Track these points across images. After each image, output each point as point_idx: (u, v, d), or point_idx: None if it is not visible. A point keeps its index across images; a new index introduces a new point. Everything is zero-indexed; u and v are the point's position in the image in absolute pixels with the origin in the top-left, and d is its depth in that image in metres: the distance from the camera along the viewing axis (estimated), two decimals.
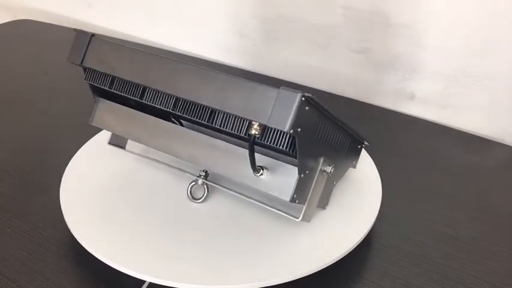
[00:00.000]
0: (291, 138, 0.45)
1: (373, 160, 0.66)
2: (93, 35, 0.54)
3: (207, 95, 0.47)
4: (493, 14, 0.77)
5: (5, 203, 0.61)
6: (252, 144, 0.45)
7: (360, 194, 0.60)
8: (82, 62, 0.54)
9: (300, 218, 0.51)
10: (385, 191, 0.60)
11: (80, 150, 0.66)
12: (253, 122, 0.44)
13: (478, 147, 0.80)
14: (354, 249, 0.52)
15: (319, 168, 0.50)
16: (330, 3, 0.88)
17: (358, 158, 0.60)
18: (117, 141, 0.64)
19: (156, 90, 0.51)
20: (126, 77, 0.52)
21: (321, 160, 0.50)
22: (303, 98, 0.42)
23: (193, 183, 0.59)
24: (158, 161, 0.62)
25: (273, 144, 0.46)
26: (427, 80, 0.86)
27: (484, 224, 0.62)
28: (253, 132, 0.44)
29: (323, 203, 0.56)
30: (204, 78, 0.47)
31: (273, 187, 0.49)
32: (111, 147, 0.64)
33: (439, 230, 0.60)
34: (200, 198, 0.58)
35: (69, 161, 0.63)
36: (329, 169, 0.50)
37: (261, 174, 0.49)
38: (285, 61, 0.99)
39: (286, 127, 0.42)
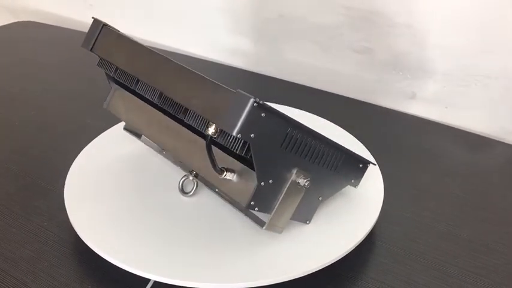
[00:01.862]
0: (247, 143, 0.45)
1: (375, 159, 0.66)
2: (104, 24, 0.56)
3: (177, 91, 0.47)
4: (494, 13, 0.77)
5: (10, 202, 0.62)
6: (209, 144, 0.45)
7: (362, 193, 0.60)
8: (92, 48, 0.56)
9: (264, 227, 0.49)
10: (386, 190, 0.61)
11: (84, 149, 0.66)
12: (210, 122, 0.44)
13: (479, 146, 0.80)
14: (356, 248, 0.53)
15: (290, 180, 0.48)
16: (331, 3, 0.88)
17: (359, 178, 0.57)
18: (132, 127, 0.65)
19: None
20: (121, 66, 0.53)
21: (294, 171, 0.49)
22: (255, 104, 0.42)
23: (185, 177, 0.59)
24: (163, 154, 0.63)
25: (229, 147, 0.46)
26: (428, 79, 0.86)
27: (485, 222, 0.62)
28: (210, 132, 0.43)
29: (303, 217, 0.54)
30: (178, 74, 0.48)
31: (236, 190, 0.49)
32: (113, 145, 0.65)
33: (441, 229, 0.60)
34: (189, 192, 0.59)
35: (73, 161, 0.63)
36: (303, 182, 0.49)
37: (225, 176, 0.48)
38: (286, 61, 0.99)
39: (234, 131, 0.41)
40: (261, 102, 0.42)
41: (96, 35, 0.56)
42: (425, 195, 0.66)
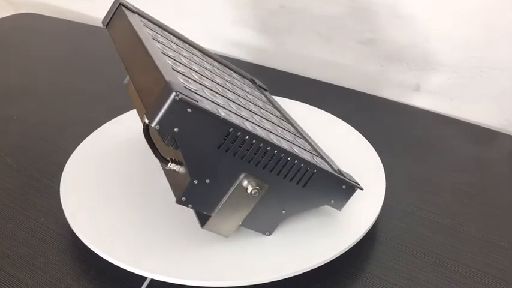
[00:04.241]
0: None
1: (378, 153, 0.65)
2: (121, 3, 0.55)
3: (139, 76, 0.46)
4: (499, 4, 0.75)
5: (7, 197, 0.61)
6: (146, 131, 0.44)
7: (364, 187, 0.59)
8: (107, 25, 0.56)
9: (204, 227, 0.48)
10: (389, 184, 0.60)
11: (80, 145, 0.65)
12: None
13: (485, 139, 0.79)
14: (358, 243, 0.52)
15: (236, 184, 0.46)
16: None
17: (343, 201, 0.52)
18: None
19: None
20: (118, 48, 0.53)
21: (241, 176, 0.46)
22: (177, 98, 0.39)
23: None
24: None
25: (161, 137, 0.44)
26: (433, 71, 0.85)
27: (489, 216, 0.61)
28: (146, 120, 0.42)
29: (262, 228, 0.51)
30: (144, 61, 0.46)
31: (176, 183, 0.47)
32: (109, 140, 0.64)
33: (444, 223, 0.59)
34: None
35: (69, 156, 0.63)
36: (250, 189, 0.46)
37: (170, 166, 0.47)
38: (288, 53, 0.98)
39: (153, 122, 0.40)
40: (181, 96, 0.40)
41: (112, 13, 0.55)
42: (429, 189, 0.65)
